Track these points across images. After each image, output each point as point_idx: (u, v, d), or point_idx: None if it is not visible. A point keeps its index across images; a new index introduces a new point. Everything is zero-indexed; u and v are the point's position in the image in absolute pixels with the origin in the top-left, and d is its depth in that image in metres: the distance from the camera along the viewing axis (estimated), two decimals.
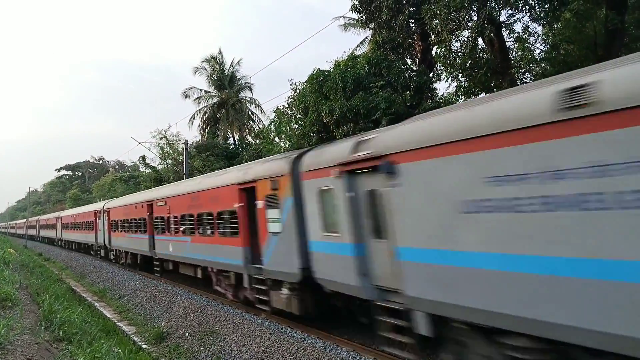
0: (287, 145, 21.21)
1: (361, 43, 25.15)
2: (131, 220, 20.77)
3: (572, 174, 4.33)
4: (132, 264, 22.10)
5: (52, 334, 9.44)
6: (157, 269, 18.84)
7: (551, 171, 4.51)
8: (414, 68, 16.30)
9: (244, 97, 40.07)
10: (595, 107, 4.18)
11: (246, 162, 20.10)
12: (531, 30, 16.32)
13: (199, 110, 39.44)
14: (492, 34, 13.62)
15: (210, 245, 13.01)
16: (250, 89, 40.39)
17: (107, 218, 25.05)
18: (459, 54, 14.82)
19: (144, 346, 11.19)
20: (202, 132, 39.15)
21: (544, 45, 16.99)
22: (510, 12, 14.21)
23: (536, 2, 13.27)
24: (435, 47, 16.40)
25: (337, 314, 9.75)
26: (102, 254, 27.67)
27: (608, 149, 4.06)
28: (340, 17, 25.56)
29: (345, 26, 26.00)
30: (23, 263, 25.08)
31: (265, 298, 10.56)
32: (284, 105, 20.13)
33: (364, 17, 16.49)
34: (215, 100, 39.29)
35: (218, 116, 38.25)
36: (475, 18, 12.93)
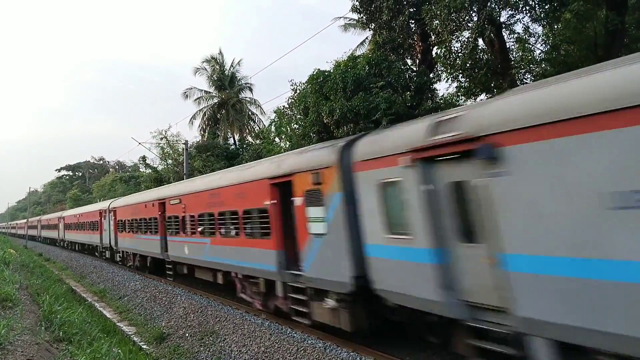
0: (287, 146, 21.23)
1: (361, 43, 25.21)
2: (140, 220, 19.58)
3: None
4: (140, 267, 20.99)
5: (52, 334, 9.44)
6: (170, 272, 17.45)
7: None
8: (414, 68, 16.29)
9: (244, 98, 40.15)
10: None
11: (247, 162, 20.06)
12: (531, 31, 16.33)
13: (199, 110, 39.55)
14: (492, 35, 13.61)
15: (235, 248, 11.70)
16: (251, 90, 40.52)
17: (113, 218, 24.03)
18: (459, 54, 14.84)
19: (144, 346, 11.20)
20: (202, 132, 39.24)
21: (544, 45, 17.00)
22: (510, 12, 14.21)
23: (536, 2, 13.26)
24: (436, 47, 16.42)
25: (391, 328, 8.38)
26: (107, 256, 26.71)
27: None
28: (341, 17, 25.67)
29: (346, 27, 26.06)
30: (23, 263, 25.07)
31: (304, 309, 9.24)
32: (284, 106, 20.18)
33: (364, 17, 16.49)
34: (215, 100, 39.34)
35: (218, 116, 38.28)
36: (475, 19, 12.92)
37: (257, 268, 10.70)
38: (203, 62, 38.98)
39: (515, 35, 16.43)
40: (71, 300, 16.04)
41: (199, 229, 13.73)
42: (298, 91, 17.17)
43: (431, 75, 16.13)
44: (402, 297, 6.82)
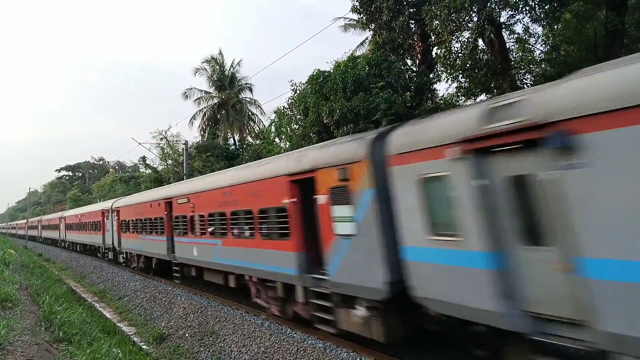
0: (287, 146, 21.24)
1: (361, 44, 25.24)
2: (145, 220, 18.88)
3: None
4: (145, 269, 20.36)
5: (52, 335, 9.45)
6: (177, 274, 16.72)
7: None
8: (414, 69, 16.33)
9: (244, 98, 40.20)
10: None
11: (247, 162, 20.04)
12: (531, 31, 16.37)
13: (199, 110, 39.61)
14: (492, 35, 13.63)
15: (249, 250, 11.00)
16: (251, 90, 40.57)
17: (116, 218, 23.45)
18: (459, 54, 14.86)
19: (144, 347, 11.20)
20: (202, 132, 39.30)
21: (544, 46, 17.02)
22: (510, 13, 14.24)
23: (536, 3, 13.28)
24: (436, 48, 16.45)
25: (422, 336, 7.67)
26: (110, 257, 26.07)
27: None
28: (341, 17, 25.72)
29: (346, 27, 26.09)
30: (23, 263, 25.06)
31: (328, 317, 8.52)
32: (284, 106, 20.20)
33: (364, 18, 16.52)
34: (215, 100, 39.40)
35: (218, 117, 38.33)
36: (475, 19, 12.93)
37: (274, 271, 10.01)
38: (203, 62, 39.14)
39: (515, 35, 16.46)
40: (71, 301, 16.04)
41: (209, 230, 13.09)
42: (298, 91, 17.21)
43: (431, 75, 16.17)
44: (449, 305, 6.06)
